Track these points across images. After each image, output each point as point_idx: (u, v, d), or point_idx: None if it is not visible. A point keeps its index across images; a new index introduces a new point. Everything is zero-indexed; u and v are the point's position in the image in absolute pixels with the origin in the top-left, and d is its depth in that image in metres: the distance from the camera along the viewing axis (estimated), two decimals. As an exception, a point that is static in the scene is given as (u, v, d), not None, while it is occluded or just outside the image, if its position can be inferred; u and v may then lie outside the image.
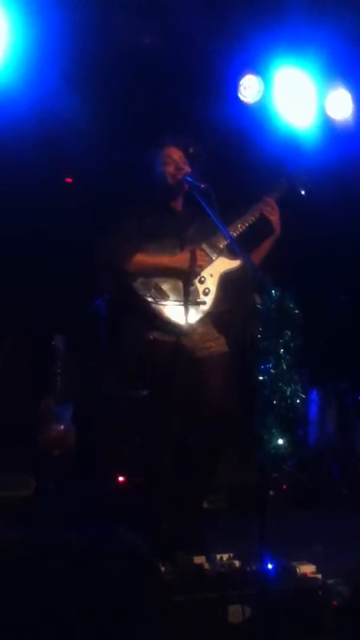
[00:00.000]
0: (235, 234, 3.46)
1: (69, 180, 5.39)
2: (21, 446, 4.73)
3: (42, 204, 5.10)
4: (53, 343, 4.94)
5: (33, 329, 5.18)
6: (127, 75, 4.63)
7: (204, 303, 3.35)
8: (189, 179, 3.35)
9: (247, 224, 3.51)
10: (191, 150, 3.46)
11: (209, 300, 3.38)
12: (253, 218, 3.54)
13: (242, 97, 4.70)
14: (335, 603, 2.73)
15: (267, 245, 3.56)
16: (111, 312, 4.87)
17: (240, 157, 4.90)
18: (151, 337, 3.31)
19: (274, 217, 3.55)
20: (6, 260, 5.01)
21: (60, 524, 4.03)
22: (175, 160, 3.45)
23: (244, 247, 3.35)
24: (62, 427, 4.82)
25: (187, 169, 3.42)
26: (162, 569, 2.84)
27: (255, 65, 4.66)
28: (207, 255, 3.44)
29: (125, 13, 4.39)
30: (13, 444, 4.69)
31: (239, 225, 3.48)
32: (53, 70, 4.33)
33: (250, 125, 4.77)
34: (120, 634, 2.61)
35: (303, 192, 3.69)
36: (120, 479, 4.61)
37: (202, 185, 3.25)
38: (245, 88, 4.69)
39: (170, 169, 3.44)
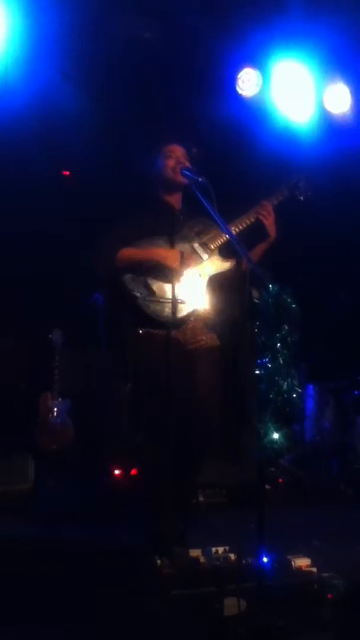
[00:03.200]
0: (227, 238, 3.45)
1: (65, 173, 5.38)
2: (19, 441, 4.73)
3: (40, 200, 5.10)
4: (50, 337, 4.94)
5: (31, 324, 5.18)
6: (125, 70, 4.61)
7: (189, 302, 3.38)
8: (188, 173, 3.36)
9: (240, 227, 3.51)
10: (193, 150, 3.47)
11: (194, 299, 3.41)
12: (248, 222, 3.53)
13: (240, 91, 4.69)
14: (330, 596, 2.74)
15: (260, 249, 3.56)
16: (108, 307, 4.88)
17: (238, 150, 4.89)
18: (140, 331, 3.34)
19: (269, 222, 3.55)
20: (4, 256, 5.01)
21: (58, 520, 4.03)
22: (177, 155, 3.47)
23: (235, 250, 3.36)
24: (60, 422, 4.82)
25: (188, 164, 3.43)
26: (159, 563, 2.84)
27: (253, 58, 4.64)
28: (198, 254, 3.45)
29: (123, 7, 4.37)
30: (11, 439, 4.69)
31: (233, 228, 3.47)
32: (51, 65, 4.32)
33: (249, 118, 4.76)
34: (117, 629, 2.61)
35: (302, 199, 3.69)
36: (117, 472, 4.61)
37: (200, 179, 3.26)
38: (243, 81, 4.68)
39: (171, 162, 3.47)
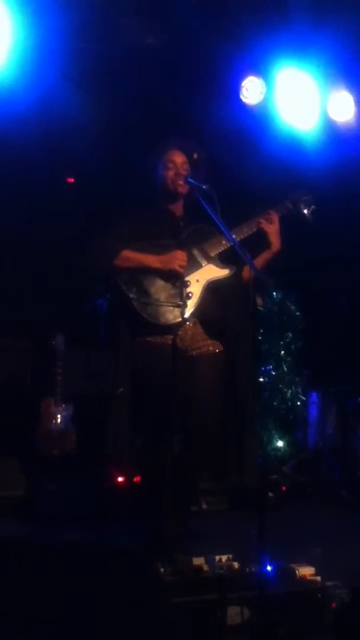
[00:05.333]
0: (227, 245, 3.45)
1: (70, 180, 5.40)
2: (20, 446, 4.72)
3: (43, 203, 5.11)
4: (53, 342, 4.93)
5: (33, 328, 5.18)
6: (129, 76, 4.63)
7: (185, 306, 3.36)
8: (191, 181, 3.37)
9: (242, 235, 3.51)
10: (195, 155, 3.48)
11: (190, 304, 3.39)
12: (249, 230, 3.53)
13: (244, 99, 4.71)
14: (334, 605, 2.74)
15: (263, 258, 3.55)
16: (110, 312, 4.87)
17: (242, 158, 4.90)
18: (143, 339, 3.34)
19: (271, 230, 3.54)
20: (6, 259, 5.02)
21: (59, 525, 4.02)
22: (176, 166, 3.47)
23: (237, 258, 3.36)
24: (62, 427, 4.81)
25: (187, 174, 3.43)
26: (162, 570, 2.84)
27: (257, 66, 4.66)
28: (196, 260, 3.45)
29: (127, 13, 4.39)
30: (12, 444, 4.68)
31: (234, 235, 3.45)
32: (55, 69, 4.33)
33: (252, 127, 4.77)
34: (119, 635, 2.61)
35: (306, 212, 3.69)
36: (120, 479, 4.60)
37: (204, 187, 3.27)
38: (247, 89, 4.70)
39: (171, 173, 3.47)
